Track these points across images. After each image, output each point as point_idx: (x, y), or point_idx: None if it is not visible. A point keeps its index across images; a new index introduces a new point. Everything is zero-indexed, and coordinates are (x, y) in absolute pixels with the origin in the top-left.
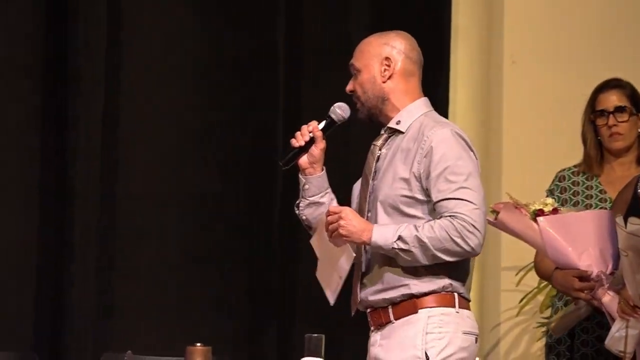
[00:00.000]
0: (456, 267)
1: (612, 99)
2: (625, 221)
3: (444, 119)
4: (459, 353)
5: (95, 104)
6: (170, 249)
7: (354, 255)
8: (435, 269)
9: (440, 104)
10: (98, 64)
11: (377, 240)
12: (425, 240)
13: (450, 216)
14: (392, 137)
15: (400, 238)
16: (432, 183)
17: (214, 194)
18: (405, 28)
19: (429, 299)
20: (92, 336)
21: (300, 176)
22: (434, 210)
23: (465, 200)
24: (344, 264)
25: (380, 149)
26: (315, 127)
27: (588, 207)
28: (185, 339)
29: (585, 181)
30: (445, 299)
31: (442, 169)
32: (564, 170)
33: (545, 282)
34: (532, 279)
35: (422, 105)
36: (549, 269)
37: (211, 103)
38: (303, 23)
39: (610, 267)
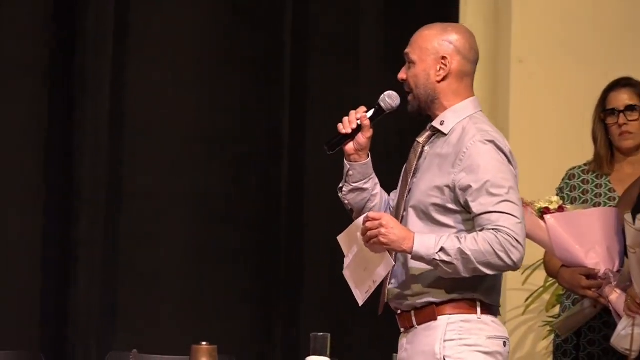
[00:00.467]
0: (479, 275)
1: (623, 98)
2: (634, 218)
3: (487, 124)
4: (481, 357)
5: (101, 103)
6: (176, 248)
7: (394, 263)
8: (457, 278)
9: None
10: (105, 63)
11: (418, 250)
12: (469, 253)
13: (494, 229)
14: (435, 136)
15: (442, 249)
16: (473, 196)
17: (220, 193)
18: (412, 27)
19: (448, 306)
20: (97, 335)
21: (345, 161)
22: (468, 220)
23: (508, 214)
24: (381, 271)
25: (423, 147)
26: (363, 116)
27: (597, 205)
28: (191, 338)
29: (595, 180)
30: (465, 306)
31: (483, 182)
32: (574, 168)
33: (551, 281)
34: (538, 278)
35: (469, 105)
36: (558, 267)
37: (218, 101)
38: (309, 21)
39: (617, 264)
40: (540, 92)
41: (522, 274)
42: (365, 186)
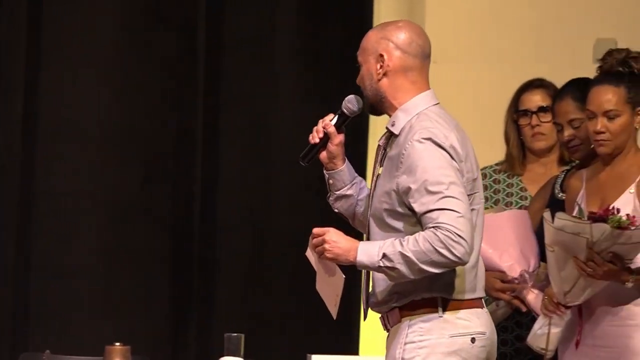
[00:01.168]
0: (430, 274)
1: (536, 99)
2: (553, 217)
3: (432, 119)
4: (444, 358)
5: (14, 104)
6: (89, 247)
7: (344, 276)
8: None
9: (363, 105)
10: (18, 63)
11: (362, 260)
12: (410, 255)
13: (434, 227)
14: (391, 138)
15: (384, 256)
16: (414, 197)
17: (134, 194)
18: (326, 26)
19: (409, 308)
20: (10, 336)
21: (324, 172)
22: (418, 222)
23: (448, 209)
24: (338, 282)
25: (384, 149)
26: (327, 123)
27: (508, 205)
28: (105, 338)
29: (507, 179)
30: (425, 305)
31: (421, 181)
32: (485, 168)
33: None
34: None
35: (419, 103)
36: None
37: (131, 100)
38: (223, 20)
39: (532, 265)
40: (453, 93)
41: None
42: (348, 192)
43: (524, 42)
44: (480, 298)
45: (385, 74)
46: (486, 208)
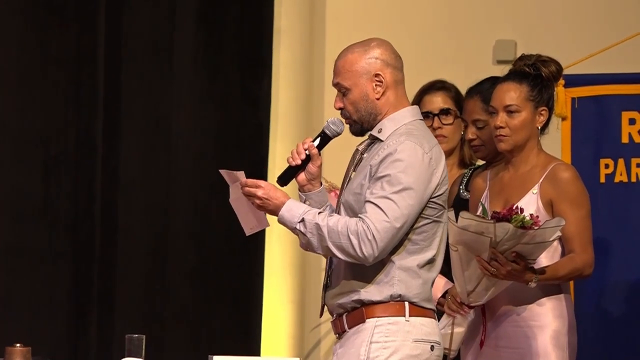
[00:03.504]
0: (410, 275)
1: (437, 101)
2: (457, 216)
3: (420, 130)
4: None
5: None
6: None
7: (268, 225)
8: (386, 277)
9: (263, 106)
10: None
11: (283, 215)
12: (324, 231)
13: (361, 218)
14: (373, 143)
15: (303, 221)
16: (371, 184)
17: (35, 192)
18: (227, 27)
19: (377, 309)
20: None
21: (299, 193)
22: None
23: (382, 210)
24: (262, 223)
25: (362, 154)
26: (311, 145)
27: None
28: (4, 339)
29: None
30: (394, 307)
31: (383, 174)
32: None
33: None
34: None
35: (406, 114)
36: None
37: (31, 102)
38: (123, 22)
39: None
40: None
41: None
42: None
43: (425, 44)
44: (433, 309)
45: (383, 93)
46: None
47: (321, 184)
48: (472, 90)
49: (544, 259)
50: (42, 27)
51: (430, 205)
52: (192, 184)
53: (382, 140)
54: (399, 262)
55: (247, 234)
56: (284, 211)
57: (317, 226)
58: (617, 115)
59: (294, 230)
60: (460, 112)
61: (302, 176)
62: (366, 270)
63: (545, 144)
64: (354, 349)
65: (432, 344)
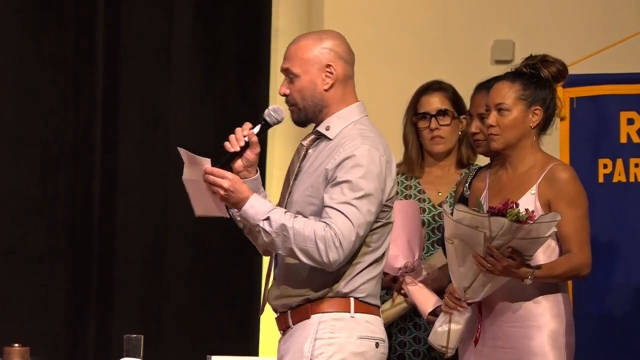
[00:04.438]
0: (356, 272)
1: (434, 102)
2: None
3: (371, 130)
4: (351, 358)
5: None
6: None
7: (228, 216)
8: (332, 274)
9: (261, 105)
10: None
11: (247, 211)
12: (290, 232)
13: (327, 224)
14: (320, 139)
15: (268, 219)
16: (329, 188)
17: (33, 192)
18: (224, 26)
19: (322, 304)
20: None
21: None
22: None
23: (347, 217)
24: (220, 211)
25: (307, 150)
26: (250, 133)
27: None
28: (2, 339)
29: (405, 181)
30: (339, 304)
31: (343, 179)
32: None
33: None
34: None
35: (355, 111)
36: None
37: (29, 102)
38: (121, 22)
39: (417, 256)
40: None
41: None
42: None
43: (423, 44)
44: (379, 306)
45: (332, 85)
46: None
47: (257, 171)
48: (481, 86)
49: (541, 259)
50: (41, 26)
51: (383, 209)
52: None
53: (330, 139)
54: (350, 260)
55: (196, 215)
56: (247, 207)
57: (284, 227)
58: (616, 116)
59: (254, 227)
60: (458, 113)
61: (239, 163)
62: (313, 268)
63: (544, 144)
64: (298, 345)
65: (377, 341)
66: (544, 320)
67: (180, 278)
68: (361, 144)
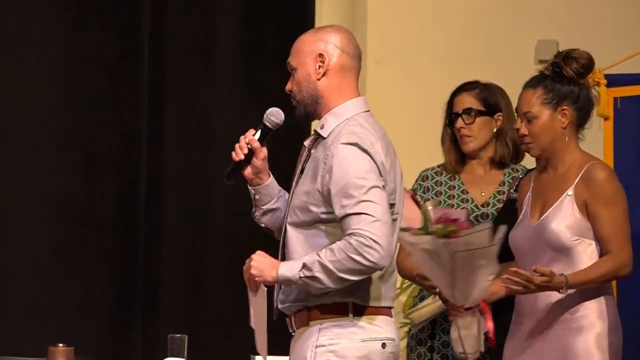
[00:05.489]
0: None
1: (461, 101)
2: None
3: (361, 126)
4: None
5: None
6: (34, 248)
7: (266, 289)
8: None
9: None
10: None
11: (284, 273)
12: (328, 264)
13: (349, 234)
14: (318, 139)
15: (304, 266)
16: (334, 200)
17: (78, 193)
18: (268, 27)
19: (321, 311)
20: None
21: (249, 187)
22: (332, 222)
23: (364, 214)
24: (262, 307)
25: (309, 150)
26: (251, 139)
27: (450, 207)
28: (48, 339)
29: (448, 181)
30: (337, 309)
31: (342, 185)
32: (427, 170)
33: (408, 283)
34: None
35: (349, 107)
36: (410, 267)
37: (75, 103)
38: (168, 22)
39: None
40: (396, 94)
41: None
42: (275, 206)
43: (466, 43)
44: (390, 307)
45: (324, 74)
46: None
47: (269, 175)
48: (527, 84)
49: (585, 262)
50: (87, 27)
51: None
52: (233, 184)
53: (324, 138)
54: None
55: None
56: (282, 266)
57: (320, 263)
58: None
59: (299, 279)
60: (489, 111)
61: (248, 171)
62: None
63: (588, 144)
64: (301, 353)
65: (383, 341)
66: (588, 322)
67: (223, 278)
68: (345, 141)
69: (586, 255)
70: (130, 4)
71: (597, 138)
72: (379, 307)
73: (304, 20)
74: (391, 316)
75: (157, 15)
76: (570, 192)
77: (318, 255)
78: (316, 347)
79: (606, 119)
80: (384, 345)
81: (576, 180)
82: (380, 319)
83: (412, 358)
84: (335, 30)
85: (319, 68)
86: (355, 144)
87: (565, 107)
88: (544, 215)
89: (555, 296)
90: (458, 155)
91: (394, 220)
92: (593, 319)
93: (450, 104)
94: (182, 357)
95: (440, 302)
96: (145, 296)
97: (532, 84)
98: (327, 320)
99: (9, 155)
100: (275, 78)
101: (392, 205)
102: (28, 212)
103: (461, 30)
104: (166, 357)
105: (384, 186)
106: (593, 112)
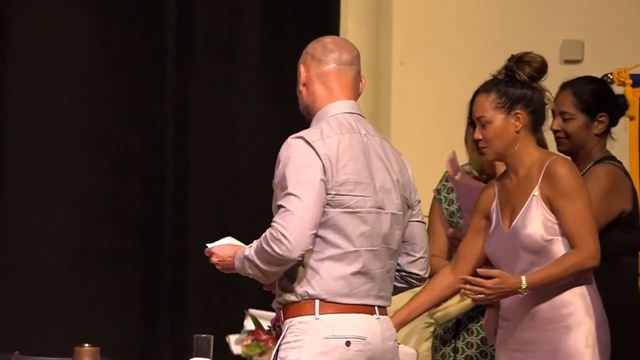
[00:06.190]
0: (318, 273)
1: None
2: None
3: (328, 123)
4: (316, 358)
5: None
6: (59, 248)
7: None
8: (295, 277)
9: None
10: None
11: (236, 265)
12: (250, 255)
13: (270, 226)
14: None
15: (245, 257)
16: (276, 192)
17: (105, 193)
18: (293, 31)
19: (290, 309)
20: None
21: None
22: None
23: (283, 206)
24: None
25: None
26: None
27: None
28: (74, 339)
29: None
30: (304, 307)
31: (280, 177)
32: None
33: None
34: None
35: (329, 110)
36: (435, 268)
37: (101, 103)
38: (193, 23)
39: None
40: (421, 94)
41: None
42: None
43: (491, 43)
44: (368, 305)
45: (305, 84)
46: None
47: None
48: (565, 84)
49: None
50: (113, 25)
51: (332, 200)
52: (257, 184)
53: None
54: (309, 262)
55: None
56: (236, 258)
57: (245, 256)
58: None
59: (246, 273)
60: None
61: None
62: (284, 273)
63: (613, 144)
64: (276, 348)
65: (347, 339)
66: (575, 320)
67: (247, 278)
68: (290, 138)
69: (564, 252)
70: (156, 5)
71: (623, 138)
72: (350, 304)
73: (328, 21)
74: (373, 314)
75: (182, 16)
76: (535, 192)
77: (249, 246)
78: (282, 343)
79: (632, 118)
80: (348, 344)
81: (539, 180)
82: (349, 317)
83: (437, 358)
84: (318, 40)
85: (302, 79)
86: (300, 137)
87: (518, 111)
88: (515, 220)
89: (537, 299)
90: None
91: (354, 213)
92: (580, 317)
93: (472, 105)
94: (208, 358)
95: (464, 302)
96: (171, 296)
97: (485, 88)
98: (296, 317)
99: (36, 155)
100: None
101: (337, 196)
102: (55, 211)
103: (485, 30)
104: (192, 357)
105: (323, 179)
106: (548, 114)
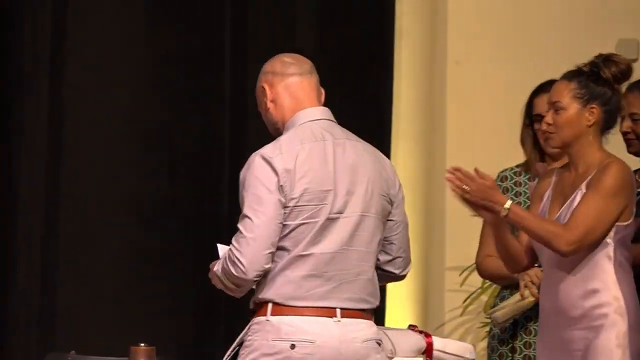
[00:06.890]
0: (274, 278)
1: (542, 103)
2: None
3: (289, 135)
4: (260, 358)
5: (40, 105)
6: (116, 249)
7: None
8: (259, 284)
9: (385, 105)
10: (43, 64)
11: (211, 278)
12: (217, 272)
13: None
14: None
15: (211, 272)
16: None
17: (161, 193)
18: (349, 29)
19: (253, 311)
20: (37, 336)
21: None
22: None
23: (239, 229)
24: None
25: None
26: None
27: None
28: (130, 339)
29: (527, 182)
30: (260, 309)
31: (240, 197)
32: (505, 170)
33: (489, 283)
34: (476, 279)
35: (296, 120)
36: (490, 268)
37: (158, 102)
38: (248, 22)
39: None
40: (476, 93)
41: (460, 275)
42: None
43: (546, 43)
44: (327, 308)
45: (273, 100)
46: None
47: None
48: (633, 86)
49: (607, 269)
50: (169, 25)
51: (293, 210)
52: None
53: None
54: (272, 269)
55: None
56: (210, 273)
57: (215, 273)
58: None
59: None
60: None
61: None
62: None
63: None
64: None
65: (292, 342)
66: (609, 320)
67: None
68: (253, 154)
69: (601, 250)
70: (212, 4)
71: None
72: (302, 307)
73: (383, 20)
74: (333, 316)
75: (237, 15)
76: (583, 187)
77: (219, 262)
78: (241, 343)
79: None
80: (292, 346)
81: (589, 177)
82: (298, 320)
83: (494, 358)
84: (270, 60)
85: (266, 98)
86: (258, 154)
87: (594, 106)
88: (559, 212)
89: (574, 294)
90: (539, 155)
91: (313, 222)
92: (614, 317)
93: (530, 104)
94: None
95: (522, 302)
96: (228, 298)
97: (567, 76)
98: (255, 318)
99: (91, 155)
100: (356, 76)
101: (295, 208)
102: (110, 212)
103: (541, 29)
104: None
105: (279, 198)
106: (619, 118)
